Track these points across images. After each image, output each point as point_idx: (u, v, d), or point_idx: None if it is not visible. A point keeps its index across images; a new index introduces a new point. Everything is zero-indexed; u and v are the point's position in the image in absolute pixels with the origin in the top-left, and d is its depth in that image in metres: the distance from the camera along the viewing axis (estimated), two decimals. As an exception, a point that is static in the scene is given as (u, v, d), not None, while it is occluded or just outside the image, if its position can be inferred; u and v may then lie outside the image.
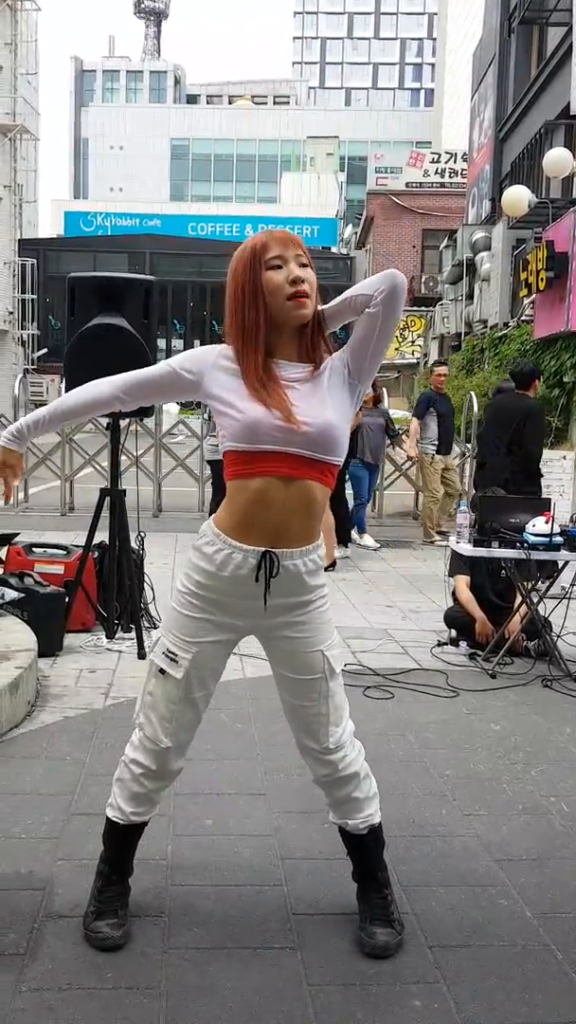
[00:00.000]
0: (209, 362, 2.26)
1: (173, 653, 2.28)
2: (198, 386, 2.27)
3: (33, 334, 33.23)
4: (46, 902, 2.52)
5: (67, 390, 4.93)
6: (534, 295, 13.36)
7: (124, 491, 5.15)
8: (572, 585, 5.03)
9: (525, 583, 5.04)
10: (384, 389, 12.49)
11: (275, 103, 72.54)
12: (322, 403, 2.21)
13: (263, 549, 2.20)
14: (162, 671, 2.29)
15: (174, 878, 2.67)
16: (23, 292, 31.98)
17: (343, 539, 7.94)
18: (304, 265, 2.21)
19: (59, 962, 2.26)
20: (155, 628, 5.31)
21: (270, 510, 2.19)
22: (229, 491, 2.25)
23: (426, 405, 9.42)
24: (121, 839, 2.43)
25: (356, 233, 42.06)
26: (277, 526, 2.20)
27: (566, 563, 5.03)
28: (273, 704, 4.14)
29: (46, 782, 3.30)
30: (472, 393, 11.51)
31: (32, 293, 32.76)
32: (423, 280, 32.75)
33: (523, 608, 5.06)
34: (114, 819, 2.41)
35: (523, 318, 15.63)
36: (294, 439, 2.16)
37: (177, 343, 39.00)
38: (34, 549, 5.51)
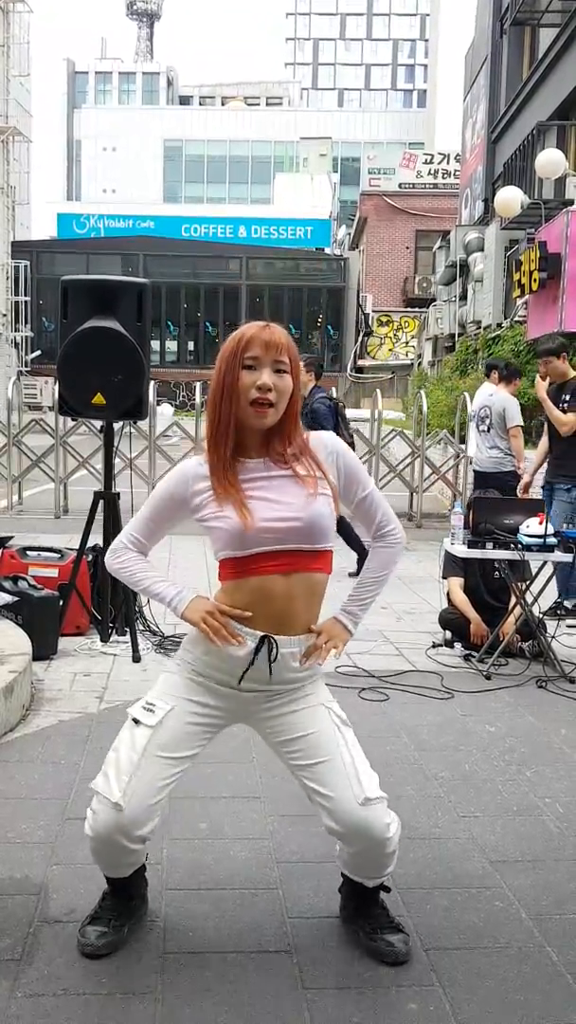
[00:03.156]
0: (189, 474, 2.24)
1: (151, 704, 2.25)
2: (186, 503, 2.25)
3: (26, 336, 33.22)
4: (41, 907, 2.52)
5: (60, 393, 4.95)
6: (527, 296, 13.38)
7: (118, 493, 5.15)
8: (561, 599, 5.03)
9: (519, 584, 5.05)
10: (378, 391, 12.51)
11: (268, 104, 72.53)
12: (307, 494, 2.18)
13: (261, 634, 2.20)
14: (136, 720, 2.24)
15: (169, 882, 2.67)
16: (16, 294, 31.97)
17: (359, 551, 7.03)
18: (280, 371, 2.17)
19: (54, 967, 2.26)
20: (150, 631, 5.31)
21: (272, 603, 2.19)
22: (226, 589, 2.23)
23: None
24: (114, 883, 2.40)
25: (350, 234, 42.11)
26: (280, 615, 2.21)
27: (543, 564, 5.02)
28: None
29: (41, 786, 3.30)
30: (467, 394, 11.53)
31: (25, 295, 32.75)
32: (417, 281, 32.82)
33: (517, 609, 5.07)
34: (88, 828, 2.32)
35: (516, 319, 15.65)
36: (288, 536, 2.16)
37: (171, 345, 39.02)
38: (28, 552, 5.50)
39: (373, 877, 2.36)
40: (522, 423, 7.60)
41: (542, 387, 6.21)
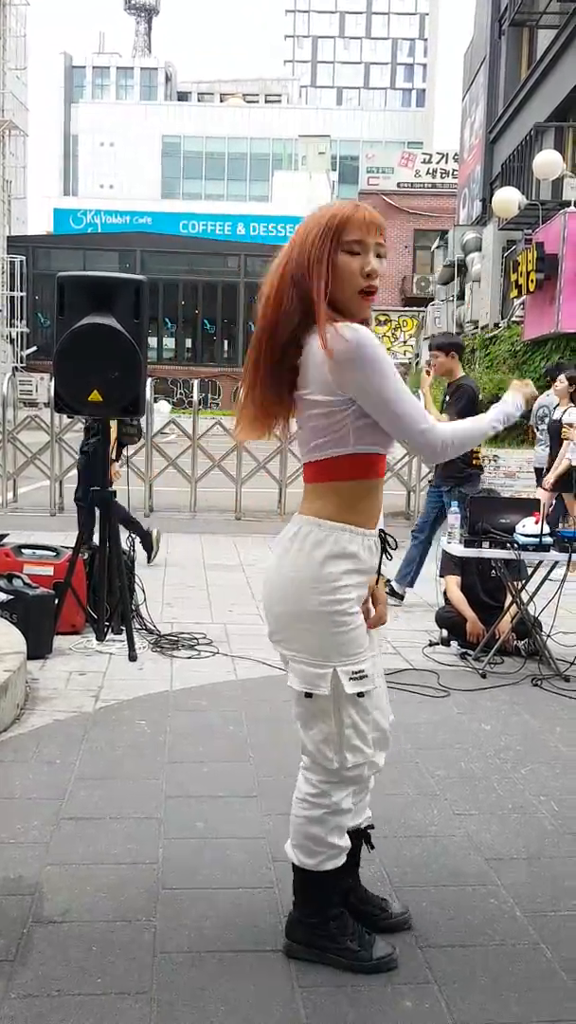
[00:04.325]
0: None
1: (360, 672, 2.18)
2: None
3: (22, 332, 33.15)
4: (35, 907, 2.51)
5: (56, 390, 4.94)
6: (524, 296, 13.39)
7: (114, 491, 5.14)
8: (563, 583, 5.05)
9: (515, 583, 5.06)
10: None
11: (266, 101, 72.43)
12: None
13: (377, 530, 2.24)
14: (360, 695, 2.18)
15: (165, 881, 2.66)
16: (12, 290, 31.89)
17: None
18: (380, 256, 2.11)
19: (49, 968, 2.25)
20: (146, 629, 5.30)
21: (381, 501, 2.26)
22: (351, 489, 2.17)
23: None
24: (340, 875, 2.33)
25: (347, 232, 42.00)
26: (379, 513, 2.27)
27: (539, 563, 5.04)
28: (265, 706, 4.15)
29: (35, 786, 3.29)
30: None
31: (21, 291, 32.67)
32: (415, 281, 32.82)
33: (513, 608, 5.07)
34: (334, 864, 2.28)
35: (513, 319, 15.66)
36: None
37: (168, 341, 38.97)
38: (23, 550, 5.49)
39: (363, 812, 2.41)
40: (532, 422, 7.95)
41: (426, 382, 6.27)
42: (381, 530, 2.26)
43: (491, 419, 2.35)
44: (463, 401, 6.02)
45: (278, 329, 2.13)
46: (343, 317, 2.09)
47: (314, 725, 2.21)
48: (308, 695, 2.18)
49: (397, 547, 2.34)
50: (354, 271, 2.07)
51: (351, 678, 2.16)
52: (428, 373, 6.27)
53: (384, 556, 2.27)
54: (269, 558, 2.31)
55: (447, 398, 6.17)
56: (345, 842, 2.28)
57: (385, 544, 2.27)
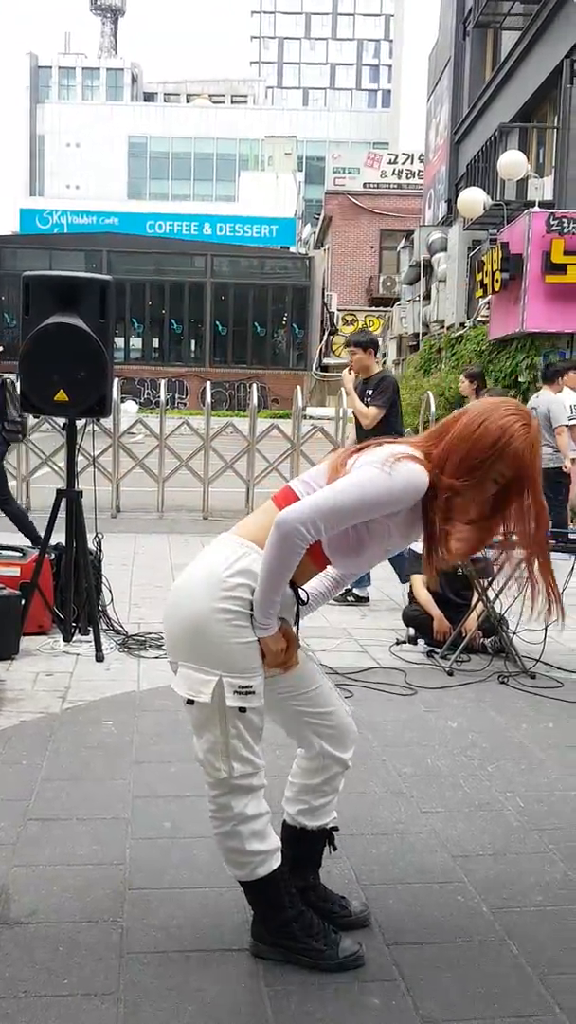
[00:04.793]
0: (421, 489, 2.11)
1: (248, 687, 2.15)
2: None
3: (-12, 333, 32.82)
4: (1, 909, 2.49)
5: (22, 389, 4.89)
6: (489, 296, 13.49)
7: (81, 492, 5.11)
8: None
9: (481, 581, 5.09)
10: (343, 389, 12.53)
11: (233, 102, 72.35)
12: None
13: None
14: (243, 710, 2.16)
15: (132, 882, 2.66)
16: (-23, 290, 31.57)
17: None
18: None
19: (15, 969, 2.24)
20: (114, 630, 5.27)
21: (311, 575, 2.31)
22: (312, 559, 2.18)
23: None
24: (281, 875, 2.31)
25: (315, 233, 42.15)
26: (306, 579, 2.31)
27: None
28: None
29: (1, 787, 3.26)
30: (429, 393, 11.60)
31: (-13, 291, 32.34)
32: (381, 280, 32.97)
33: (479, 606, 5.11)
34: (273, 869, 2.26)
35: (479, 319, 15.78)
36: None
37: (135, 342, 38.77)
38: (-11, 551, 5.44)
39: (330, 813, 2.43)
40: (568, 423, 7.94)
41: (349, 380, 6.33)
42: (292, 582, 2.20)
43: (272, 602, 2.13)
44: (389, 392, 6.15)
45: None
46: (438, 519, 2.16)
47: (202, 733, 2.21)
48: (190, 702, 2.18)
49: (308, 602, 2.30)
50: (477, 501, 2.17)
51: (236, 691, 2.14)
52: (350, 371, 6.35)
53: (298, 606, 2.24)
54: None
55: (370, 392, 6.21)
56: (268, 844, 2.25)
57: (298, 597, 2.24)
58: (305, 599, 2.28)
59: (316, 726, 2.36)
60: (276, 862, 2.27)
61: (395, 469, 2.06)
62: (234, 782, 2.20)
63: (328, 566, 2.28)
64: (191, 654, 2.18)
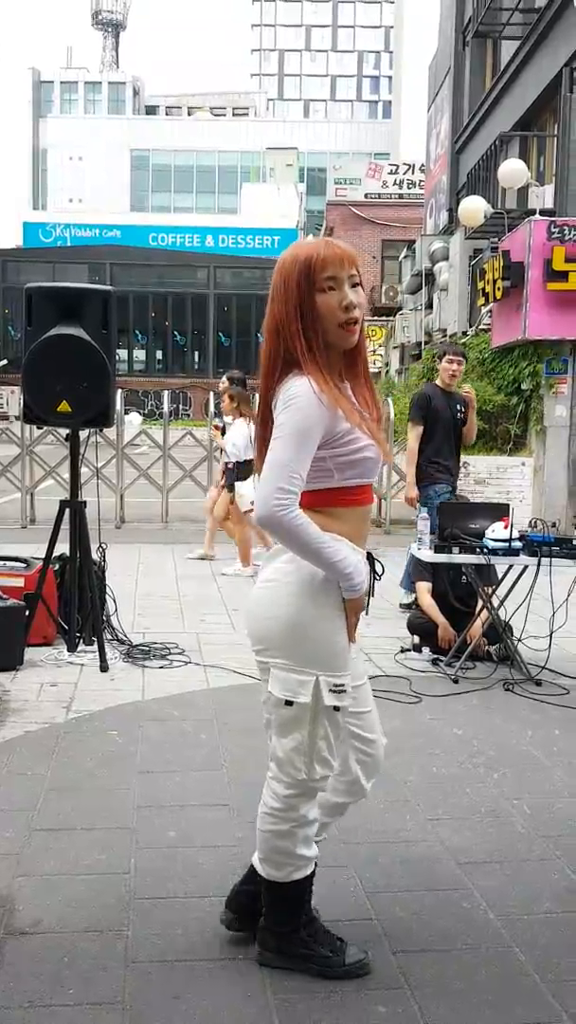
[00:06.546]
0: (324, 402, 2.08)
1: (341, 685, 2.18)
2: (328, 433, 2.10)
3: (-8, 346, 32.96)
4: (6, 919, 2.49)
5: (25, 400, 4.91)
6: (491, 304, 13.50)
7: (85, 502, 5.12)
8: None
9: (486, 588, 5.09)
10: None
11: (234, 115, 72.74)
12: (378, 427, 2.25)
13: (365, 551, 2.28)
14: (336, 708, 2.18)
15: (137, 891, 2.65)
16: (-19, 304, 31.72)
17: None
18: (356, 285, 2.15)
19: (21, 979, 2.23)
20: (118, 640, 5.27)
21: (367, 527, 2.30)
22: (341, 513, 2.19)
23: None
24: (309, 882, 2.33)
25: (316, 243, 42.15)
26: (366, 536, 2.30)
27: (509, 568, 5.07)
28: (237, 715, 4.14)
29: (6, 797, 3.26)
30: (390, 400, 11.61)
31: (-9, 305, 32.49)
32: (383, 290, 32.99)
33: (484, 613, 5.10)
34: (303, 874, 2.28)
35: (481, 327, 15.80)
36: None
37: (139, 353, 38.91)
38: (-7, 562, 5.44)
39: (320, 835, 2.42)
40: None
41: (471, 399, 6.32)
42: (369, 552, 2.30)
43: (339, 562, 2.11)
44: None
45: (271, 372, 2.18)
46: (331, 350, 2.15)
47: (288, 733, 2.21)
48: (288, 703, 2.18)
49: (384, 572, 2.39)
50: (332, 307, 2.12)
51: (331, 690, 2.17)
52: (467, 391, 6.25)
53: (373, 577, 2.31)
54: (262, 570, 2.29)
55: (461, 409, 6.15)
56: (313, 852, 2.29)
57: (373, 566, 2.31)
58: (382, 570, 2.35)
59: (358, 750, 2.35)
60: (311, 869, 2.30)
61: (293, 400, 2.08)
62: (311, 784, 2.22)
63: (365, 500, 2.24)
64: (287, 654, 2.17)
